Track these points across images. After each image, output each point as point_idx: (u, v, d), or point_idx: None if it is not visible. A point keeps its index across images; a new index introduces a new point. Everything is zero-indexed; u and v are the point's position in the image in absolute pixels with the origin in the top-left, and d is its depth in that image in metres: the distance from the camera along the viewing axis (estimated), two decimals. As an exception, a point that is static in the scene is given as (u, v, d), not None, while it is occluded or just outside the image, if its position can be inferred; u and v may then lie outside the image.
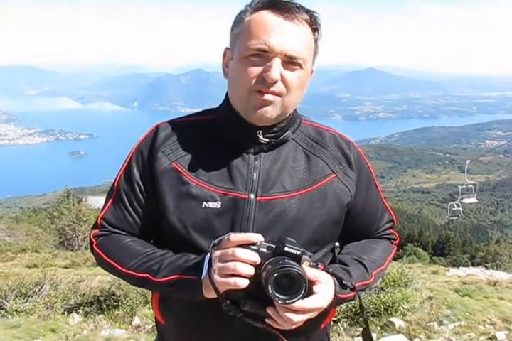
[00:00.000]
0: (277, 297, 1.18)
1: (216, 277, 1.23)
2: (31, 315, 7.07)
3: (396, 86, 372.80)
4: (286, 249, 1.23)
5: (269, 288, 1.18)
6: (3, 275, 11.30)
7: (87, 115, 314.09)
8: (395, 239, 1.70)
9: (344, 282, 1.36)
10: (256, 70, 1.34)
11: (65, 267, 14.95)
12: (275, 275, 1.17)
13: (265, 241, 1.26)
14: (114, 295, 7.67)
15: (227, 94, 1.50)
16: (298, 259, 1.23)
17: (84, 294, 8.08)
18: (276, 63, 1.33)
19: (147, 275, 1.39)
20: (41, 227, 28.19)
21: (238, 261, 1.22)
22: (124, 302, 7.57)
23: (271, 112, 1.38)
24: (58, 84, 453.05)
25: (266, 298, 1.21)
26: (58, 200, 30.68)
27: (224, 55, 1.48)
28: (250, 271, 1.22)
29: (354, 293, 1.43)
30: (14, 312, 7.01)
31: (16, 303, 7.19)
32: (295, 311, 1.23)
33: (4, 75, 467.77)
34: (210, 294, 1.28)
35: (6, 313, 7.03)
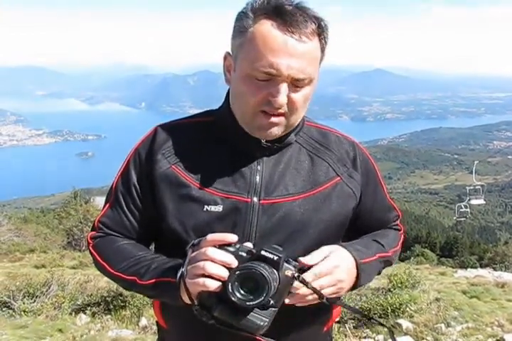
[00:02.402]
0: (236, 296, 1.13)
1: (188, 277, 1.20)
2: (39, 315, 7.10)
3: (404, 87, 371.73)
4: (262, 252, 1.17)
5: (230, 286, 1.13)
6: (11, 276, 11.33)
7: (95, 116, 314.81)
8: (400, 229, 1.69)
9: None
10: (263, 93, 1.30)
11: (73, 267, 14.98)
12: (237, 273, 1.14)
13: (268, 248, 1.20)
14: (121, 295, 7.69)
15: (227, 96, 1.47)
16: (276, 265, 1.17)
17: (91, 294, 8.10)
18: (284, 88, 1.29)
19: (134, 277, 1.36)
20: (49, 228, 28.36)
21: (210, 260, 1.18)
22: (131, 302, 7.59)
23: (276, 132, 1.36)
24: (66, 85, 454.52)
25: (239, 305, 1.16)
26: (65, 201, 30.85)
27: (225, 59, 1.43)
28: (221, 272, 1.17)
29: (375, 257, 1.42)
30: (22, 313, 7.04)
31: (23, 303, 7.22)
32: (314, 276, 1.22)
33: (13, 76, 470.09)
34: (187, 298, 1.23)
35: (14, 313, 7.06)
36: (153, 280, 1.32)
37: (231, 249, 1.20)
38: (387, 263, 1.53)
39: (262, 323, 1.19)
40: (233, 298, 1.13)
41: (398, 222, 1.70)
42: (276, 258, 1.17)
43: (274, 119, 1.34)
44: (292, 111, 1.34)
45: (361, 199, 1.52)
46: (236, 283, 1.13)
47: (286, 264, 1.20)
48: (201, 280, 1.17)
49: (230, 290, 1.13)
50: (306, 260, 1.24)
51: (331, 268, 1.25)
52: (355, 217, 1.51)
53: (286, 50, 1.26)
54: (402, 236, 1.69)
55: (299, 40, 1.27)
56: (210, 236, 1.23)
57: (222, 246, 1.21)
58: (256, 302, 1.13)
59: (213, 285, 1.16)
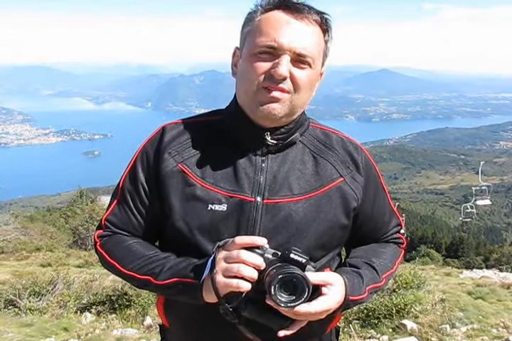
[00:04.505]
0: (279, 300, 1.17)
1: (219, 278, 1.23)
2: (44, 313, 7.13)
3: (410, 87, 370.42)
4: (292, 255, 1.22)
5: (272, 290, 1.17)
6: (17, 274, 11.39)
7: (102, 115, 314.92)
8: (402, 243, 1.68)
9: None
10: (264, 66, 1.34)
11: (79, 266, 15.04)
12: (279, 277, 1.17)
13: (271, 248, 1.26)
14: (126, 294, 7.70)
15: (235, 95, 1.49)
16: (302, 267, 1.22)
17: (96, 293, 8.12)
18: (285, 60, 1.32)
19: (148, 277, 1.38)
20: (55, 226, 28.41)
21: (242, 263, 1.21)
22: (136, 302, 7.61)
23: (278, 110, 1.37)
24: (73, 84, 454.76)
25: (266, 305, 1.21)
26: (71, 200, 31.00)
27: (233, 54, 1.48)
28: (254, 274, 1.21)
29: (365, 294, 1.42)
30: (28, 311, 7.07)
31: (29, 302, 7.25)
32: (302, 314, 1.23)
33: (20, 76, 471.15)
34: (210, 297, 1.27)
35: (19, 312, 7.09)
36: (170, 280, 1.34)
37: (259, 251, 1.24)
38: (377, 291, 1.53)
39: (288, 320, 1.26)
40: (276, 300, 1.17)
41: (400, 234, 1.69)
42: (304, 261, 1.22)
43: (275, 93, 1.35)
44: (295, 89, 1.36)
45: (362, 201, 1.52)
46: (278, 286, 1.17)
47: (307, 266, 1.25)
48: (234, 281, 1.20)
49: (273, 293, 1.17)
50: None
51: (323, 310, 1.27)
52: (354, 220, 1.52)
53: (289, 28, 1.33)
54: (403, 251, 1.68)
55: (302, 20, 1.34)
56: (239, 239, 1.25)
57: (250, 248, 1.25)
58: (298, 303, 1.18)
59: (246, 286, 1.20)
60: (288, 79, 1.34)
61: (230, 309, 1.24)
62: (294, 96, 1.37)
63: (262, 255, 1.24)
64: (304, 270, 1.22)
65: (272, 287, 1.17)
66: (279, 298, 1.17)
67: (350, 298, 1.35)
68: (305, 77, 1.36)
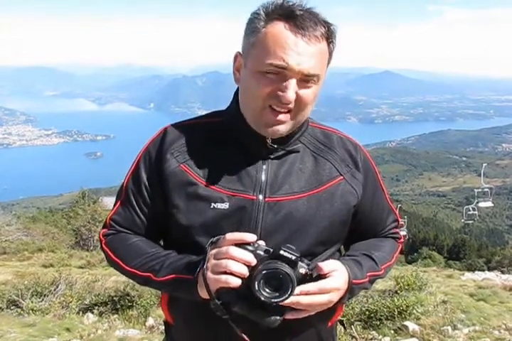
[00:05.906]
0: (263, 295, 1.19)
1: (208, 274, 1.25)
2: (47, 314, 7.15)
3: (412, 89, 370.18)
4: (281, 252, 1.23)
5: (256, 285, 1.19)
6: (19, 275, 11.42)
7: (104, 116, 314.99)
8: (399, 238, 1.72)
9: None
10: (271, 87, 1.34)
11: (81, 267, 15.08)
12: (263, 272, 1.19)
13: (272, 245, 1.28)
14: (128, 295, 7.73)
15: (235, 97, 1.51)
16: (293, 264, 1.23)
17: (99, 294, 8.14)
18: (293, 84, 1.33)
19: (149, 274, 1.41)
20: (57, 227, 28.52)
21: (231, 259, 1.23)
22: (139, 302, 7.63)
23: (283, 129, 1.40)
24: (75, 85, 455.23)
25: (257, 301, 1.22)
26: (74, 201, 31.07)
27: (235, 59, 1.47)
28: (242, 270, 1.23)
29: (367, 279, 1.45)
30: (30, 311, 7.10)
31: (32, 302, 7.28)
32: (307, 294, 1.26)
33: (23, 76, 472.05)
34: (204, 293, 1.29)
35: (22, 312, 7.12)
36: (168, 277, 1.38)
37: (250, 247, 1.26)
38: (377, 280, 1.56)
39: (278, 317, 1.27)
40: (260, 296, 1.19)
41: (397, 229, 1.73)
42: (294, 257, 1.23)
43: (281, 117, 1.37)
44: (300, 107, 1.38)
45: (361, 198, 1.55)
46: (262, 282, 1.19)
47: (300, 263, 1.26)
48: (223, 277, 1.23)
49: (257, 288, 1.19)
50: (321, 265, 1.30)
51: (333, 288, 1.30)
52: (353, 216, 1.55)
53: (297, 49, 1.31)
54: (400, 245, 1.72)
55: (309, 42, 1.32)
56: (230, 235, 1.28)
57: (241, 244, 1.26)
58: (281, 299, 1.20)
59: (235, 282, 1.22)
60: (293, 100, 1.36)
61: (219, 304, 1.25)
62: (298, 114, 1.40)
63: (253, 251, 1.25)
64: (295, 266, 1.24)
65: (256, 282, 1.19)
66: (263, 292, 1.19)
67: (354, 280, 1.38)
68: (310, 94, 1.37)
